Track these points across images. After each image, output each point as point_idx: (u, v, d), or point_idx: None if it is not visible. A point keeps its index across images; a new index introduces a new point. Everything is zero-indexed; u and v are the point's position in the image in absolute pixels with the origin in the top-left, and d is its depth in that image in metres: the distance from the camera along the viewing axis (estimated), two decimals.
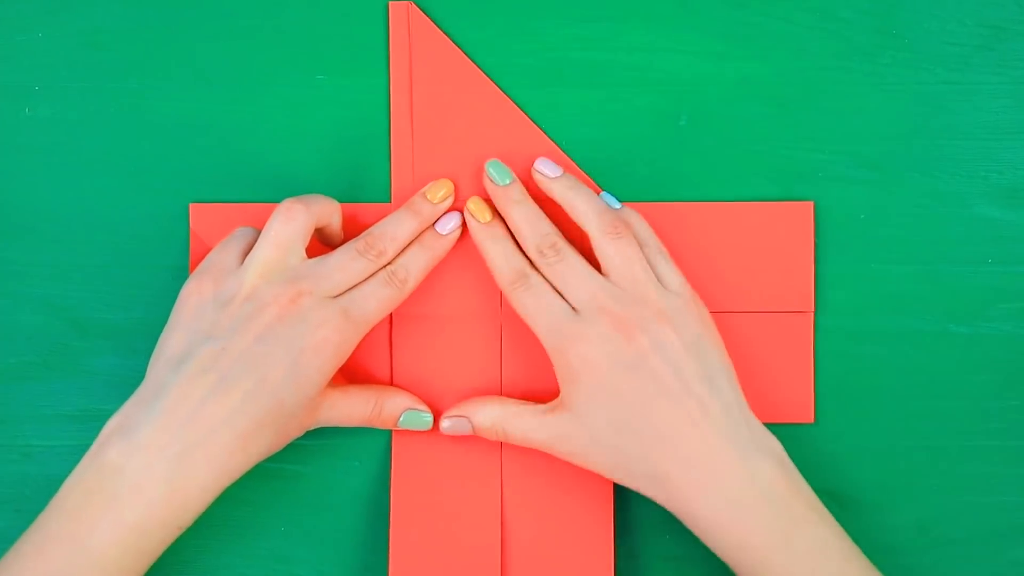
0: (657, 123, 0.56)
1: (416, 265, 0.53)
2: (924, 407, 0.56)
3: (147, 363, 0.51)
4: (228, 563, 0.56)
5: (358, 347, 0.53)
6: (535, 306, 0.52)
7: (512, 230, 0.54)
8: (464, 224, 0.55)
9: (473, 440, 0.55)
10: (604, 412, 0.50)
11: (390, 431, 0.56)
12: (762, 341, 0.55)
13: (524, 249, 0.53)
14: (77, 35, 0.57)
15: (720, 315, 0.55)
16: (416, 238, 0.54)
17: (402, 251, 0.54)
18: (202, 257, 0.55)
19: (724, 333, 0.54)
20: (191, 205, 0.56)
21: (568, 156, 0.56)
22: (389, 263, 0.53)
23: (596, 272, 0.52)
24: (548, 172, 0.54)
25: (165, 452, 0.48)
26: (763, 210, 0.55)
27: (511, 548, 0.55)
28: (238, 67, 0.57)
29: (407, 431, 0.55)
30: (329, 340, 0.51)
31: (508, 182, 0.54)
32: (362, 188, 0.56)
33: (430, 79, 0.56)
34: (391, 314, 0.56)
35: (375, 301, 0.52)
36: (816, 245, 0.56)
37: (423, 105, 0.56)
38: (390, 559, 0.55)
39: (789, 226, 0.55)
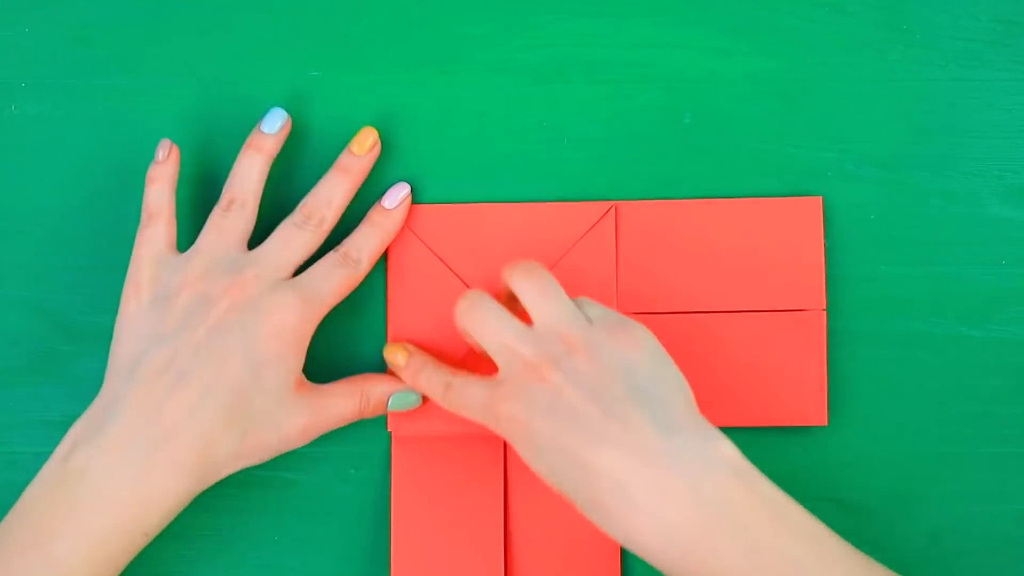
0: (662, 120, 0.55)
1: (368, 245, 0.53)
2: (934, 412, 0.55)
3: None
4: (223, 574, 0.55)
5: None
6: (463, 401, 0.50)
7: None
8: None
9: (476, 446, 0.54)
10: (542, 463, 0.47)
11: (388, 435, 0.55)
12: (773, 341, 0.54)
13: None
14: (64, 30, 0.56)
15: (729, 315, 0.54)
16: (366, 217, 0.54)
17: (353, 228, 0.53)
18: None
19: (733, 333, 0.54)
20: None
21: (566, 159, 0.55)
22: (342, 245, 0.52)
23: (510, 316, 0.49)
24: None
25: (128, 454, 0.47)
26: (770, 206, 0.54)
27: (516, 557, 0.54)
28: (230, 63, 0.56)
29: (407, 435, 0.54)
30: (286, 324, 0.50)
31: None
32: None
33: None
34: (388, 308, 0.55)
35: (329, 282, 0.51)
36: (825, 246, 0.55)
37: None
38: (392, 570, 0.54)
39: (797, 223, 0.54)
